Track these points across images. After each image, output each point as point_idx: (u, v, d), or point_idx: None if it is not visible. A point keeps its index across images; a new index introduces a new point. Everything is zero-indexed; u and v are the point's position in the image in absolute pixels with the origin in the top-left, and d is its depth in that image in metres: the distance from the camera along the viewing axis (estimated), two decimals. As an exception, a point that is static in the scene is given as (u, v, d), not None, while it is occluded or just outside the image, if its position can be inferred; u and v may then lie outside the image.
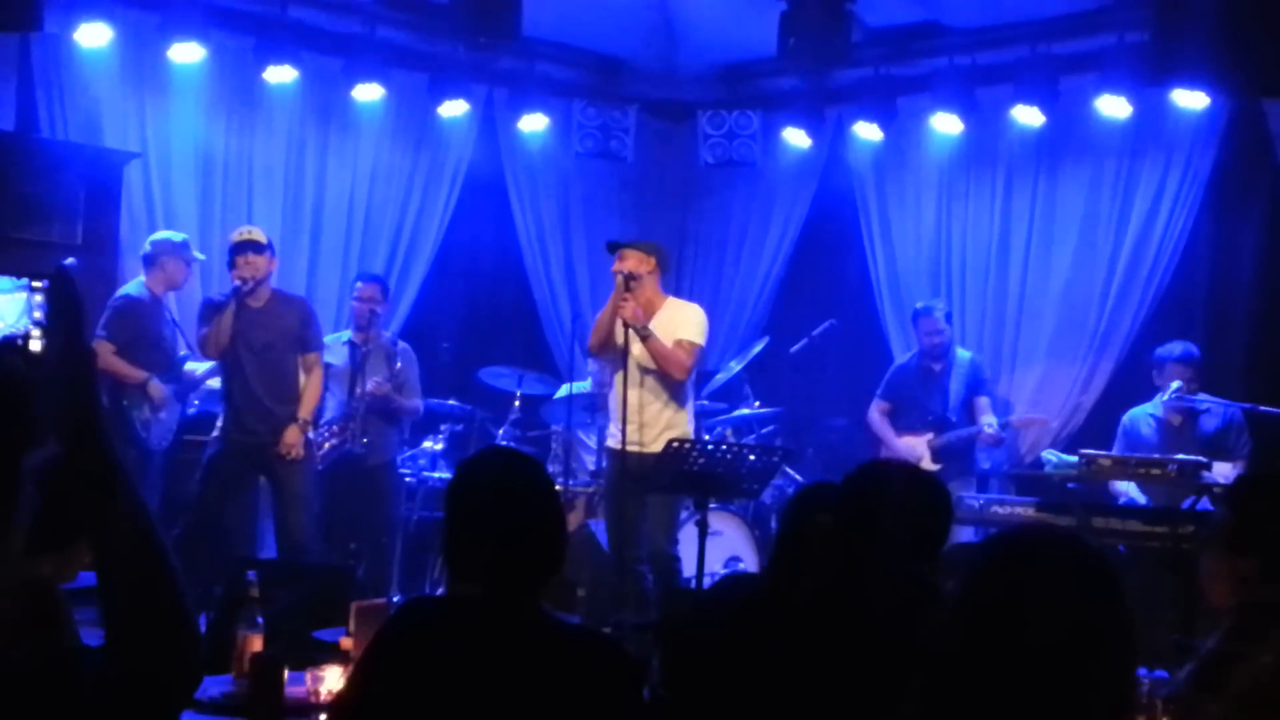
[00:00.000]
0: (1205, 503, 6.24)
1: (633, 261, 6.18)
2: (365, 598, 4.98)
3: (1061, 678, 1.67)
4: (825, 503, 2.98)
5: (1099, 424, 7.60)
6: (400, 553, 7.23)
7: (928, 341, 7.47)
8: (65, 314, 1.51)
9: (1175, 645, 4.05)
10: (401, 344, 7.33)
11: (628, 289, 6.08)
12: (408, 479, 7.46)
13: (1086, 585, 1.71)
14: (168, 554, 1.53)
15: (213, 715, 3.23)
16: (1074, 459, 6.49)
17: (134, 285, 6.73)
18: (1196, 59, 6.35)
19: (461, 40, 7.60)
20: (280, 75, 7.64)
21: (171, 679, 1.53)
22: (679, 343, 6.17)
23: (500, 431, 7.69)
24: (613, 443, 6.23)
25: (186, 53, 7.31)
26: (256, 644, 3.51)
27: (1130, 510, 6.44)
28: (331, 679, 3.33)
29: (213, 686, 3.34)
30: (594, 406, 7.41)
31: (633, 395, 6.03)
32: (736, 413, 7.75)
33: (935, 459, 7.30)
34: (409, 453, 7.57)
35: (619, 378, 6.10)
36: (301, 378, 6.52)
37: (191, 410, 7.00)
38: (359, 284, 7.30)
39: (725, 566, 7.03)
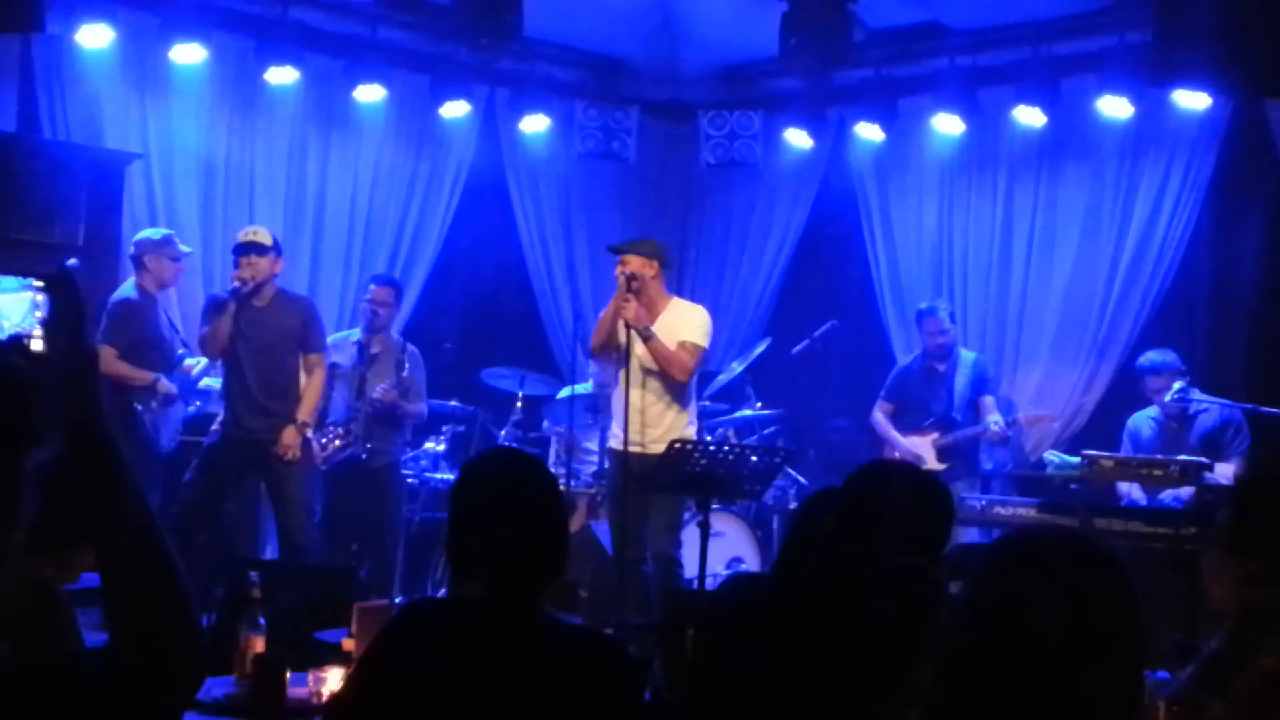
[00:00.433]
0: (1179, 497, 6.27)
1: (635, 265, 6.18)
2: (367, 599, 4.99)
3: (1069, 680, 1.67)
4: (831, 507, 2.98)
5: (1101, 425, 7.60)
6: (402, 554, 7.22)
7: (931, 342, 7.47)
8: (68, 313, 1.51)
9: (1177, 646, 4.04)
10: (410, 347, 7.31)
11: (630, 290, 6.08)
12: (410, 480, 7.46)
13: (1094, 588, 1.71)
14: (171, 554, 1.53)
15: (215, 716, 3.23)
16: (1076, 460, 6.49)
17: (127, 287, 6.73)
18: (1198, 59, 6.35)
19: (463, 41, 7.59)
20: (281, 76, 7.64)
21: (174, 678, 1.53)
22: (682, 344, 6.17)
23: (502, 433, 7.69)
24: (615, 443, 6.23)
25: (188, 54, 7.32)
26: (258, 645, 3.51)
27: (1132, 511, 6.44)
28: (333, 680, 3.33)
29: (215, 687, 3.34)
30: (596, 408, 7.41)
31: (635, 396, 6.02)
32: (738, 414, 7.74)
33: (940, 459, 7.30)
34: (411, 454, 7.56)
35: (621, 377, 6.10)
36: (303, 378, 6.51)
37: (192, 410, 7.00)
38: (372, 286, 7.29)
39: (727, 567, 7.03)
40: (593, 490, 7.44)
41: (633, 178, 9.28)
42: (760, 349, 7.78)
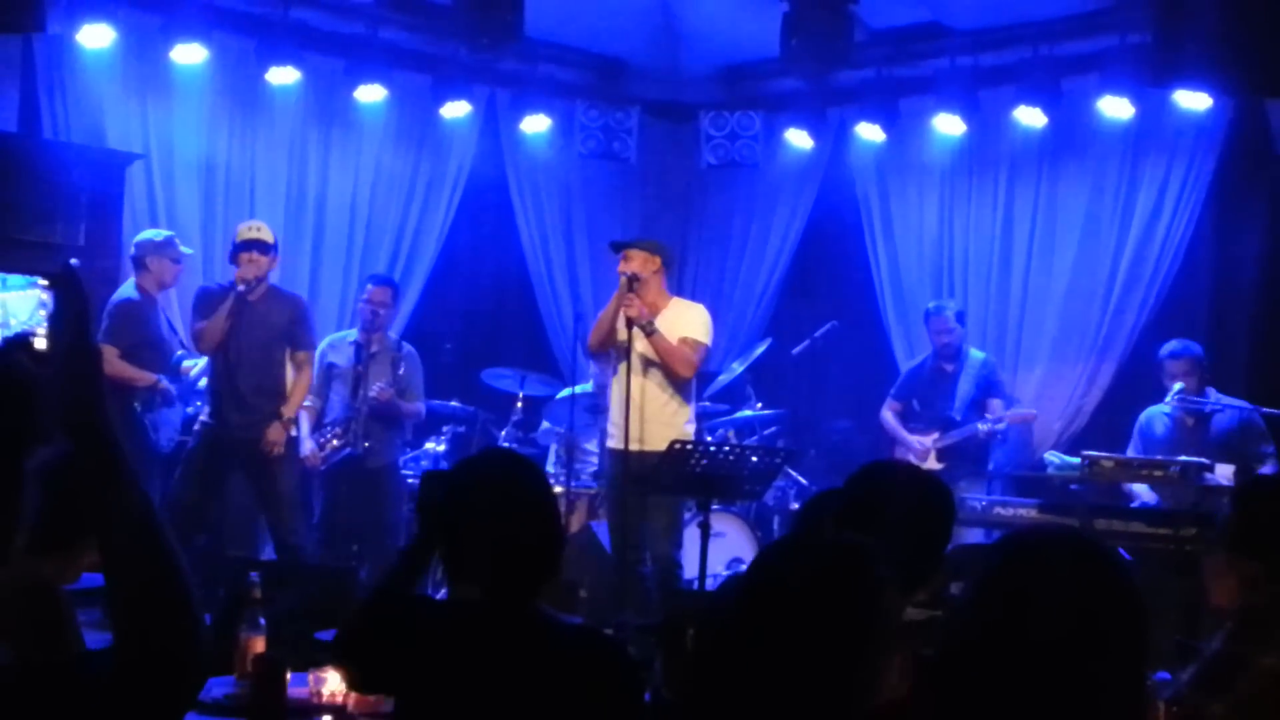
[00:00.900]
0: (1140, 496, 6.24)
1: (637, 262, 6.18)
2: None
3: (1072, 678, 1.67)
4: (832, 509, 2.98)
5: (1101, 425, 7.60)
6: (402, 554, 7.21)
7: (937, 341, 7.47)
8: (71, 312, 1.51)
9: (1178, 647, 4.04)
10: (406, 346, 7.31)
11: (631, 289, 6.08)
12: (410, 480, 7.46)
13: (1095, 586, 1.71)
14: (175, 553, 1.53)
15: (214, 716, 3.23)
16: (1076, 460, 6.48)
17: (127, 288, 6.74)
18: (1199, 60, 6.34)
19: (464, 41, 7.59)
20: (282, 76, 7.64)
21: (178, 678, 1.53)
22: (684, 340, 6.17)
23: (502, 433, 7.69)
24: (614, 443, 6.22)
25: (189, 54, 7.32)
26: (259, 645, 3.51)
27: (1133, 512, 6.44)
28: (333, 681, 3.33)
29: (215, 687, 3.34)
30: (596, 408, 7.41)
31: (635, 390, 6.02)
32: (739, 414, 7.74)
33: (939, 458, 7.30)
34: (411, 454, 7.57)
35: (622, 369, 6.08)
36: (290, 375, 6.50)
37: (190, 410, 7.00)
38: (370, 286, 7.28)
39: (727, 568, 7.03)
40: (593, 490, 7.44)
41: (633, 178, 9.28)
42: (761, 349, 7.78)
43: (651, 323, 6.10)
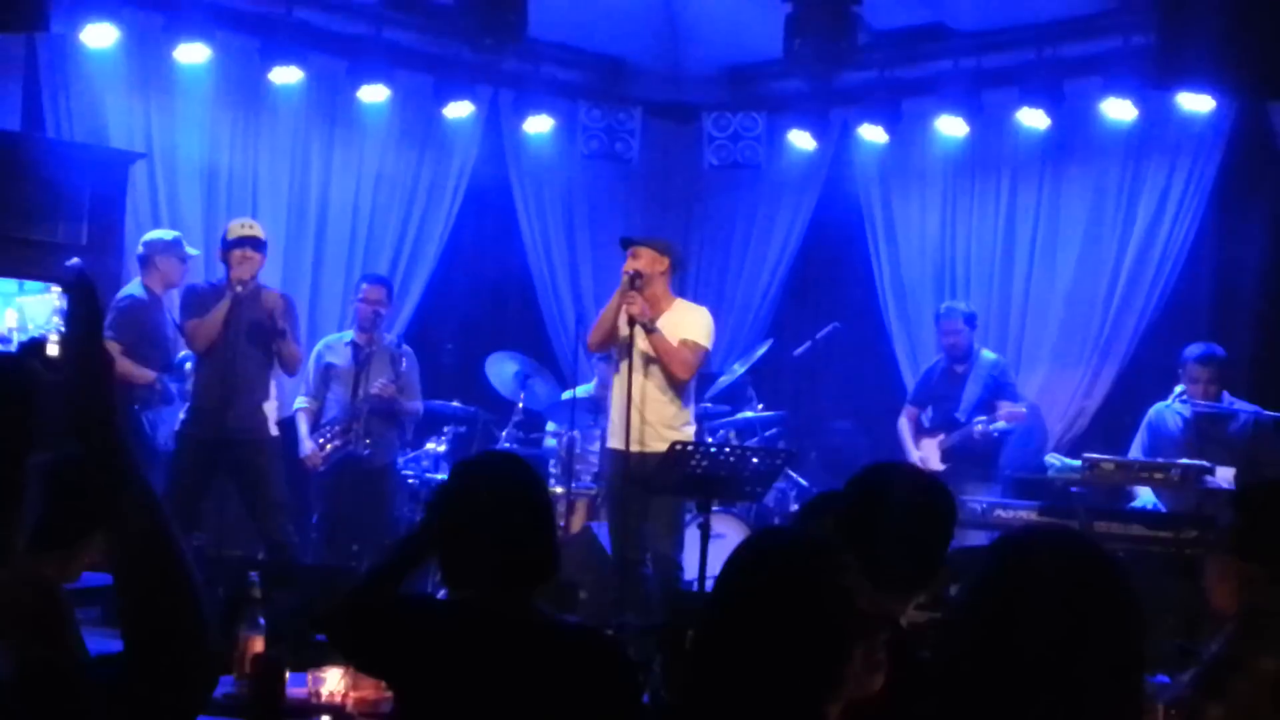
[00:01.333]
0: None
1: (646, 260, 6.17)
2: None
3: (1065, 677, 1.67)
4: (833, 510, 2.98)
5: (1103, 428, 7.60)
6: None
7: (945, 342, 7.49)
8: (84, 317, 1.52)
9: (1178, 650, 4.04)
10: (405, 345, 7.32)
11: (633, 287, 6.07)
12: (410, 480, 7.46)
13: (1086, 585, 1.71)
14: (185, 556, 1.54)
15: (214, 716, 3.23)
16: (1077, 463, 6.48)
17: (134, 286, 6.74)
18: (1202, 62, 6.34)
19: (467, 42, 7.59)
20: (285, 76, 7.64)
21: (189, 680, 1.53)
22: (684, 342, 6.16)
23: (503, 434, 7.69)
24: (613, 444, 6.22)
25: (192, 53, 7.32)
26: (258, 645, 3.51)
27: (1133, 515, 6.43)
28: (332, 681, 3.33)
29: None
30: (598, 409, 7.41)
31: (636, 390, 6.02)
32: (740, 415, 7.74)
33: (943, 460, 7.30)
34: (411, 454, 7.57)
35: (624, 367, 6.08)
36: (273, 376, 6.53)
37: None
38: (364, 285, 7.28)
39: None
40: (593, 491, 7.44)
41: (636, 179, 9.28)
42: (762, 351, 7.78)
43: (653, 321, 6.09)
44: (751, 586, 1.86)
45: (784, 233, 9.09)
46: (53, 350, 1.56)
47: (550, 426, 7.94)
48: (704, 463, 5.72)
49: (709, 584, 5.81)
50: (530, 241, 9.04)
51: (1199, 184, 7.52)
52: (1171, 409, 6.76)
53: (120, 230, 7.28)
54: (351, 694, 3.30)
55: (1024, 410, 7.34)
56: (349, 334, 7.29)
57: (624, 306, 6.07)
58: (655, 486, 5.89)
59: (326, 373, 7.12)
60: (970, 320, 7.49)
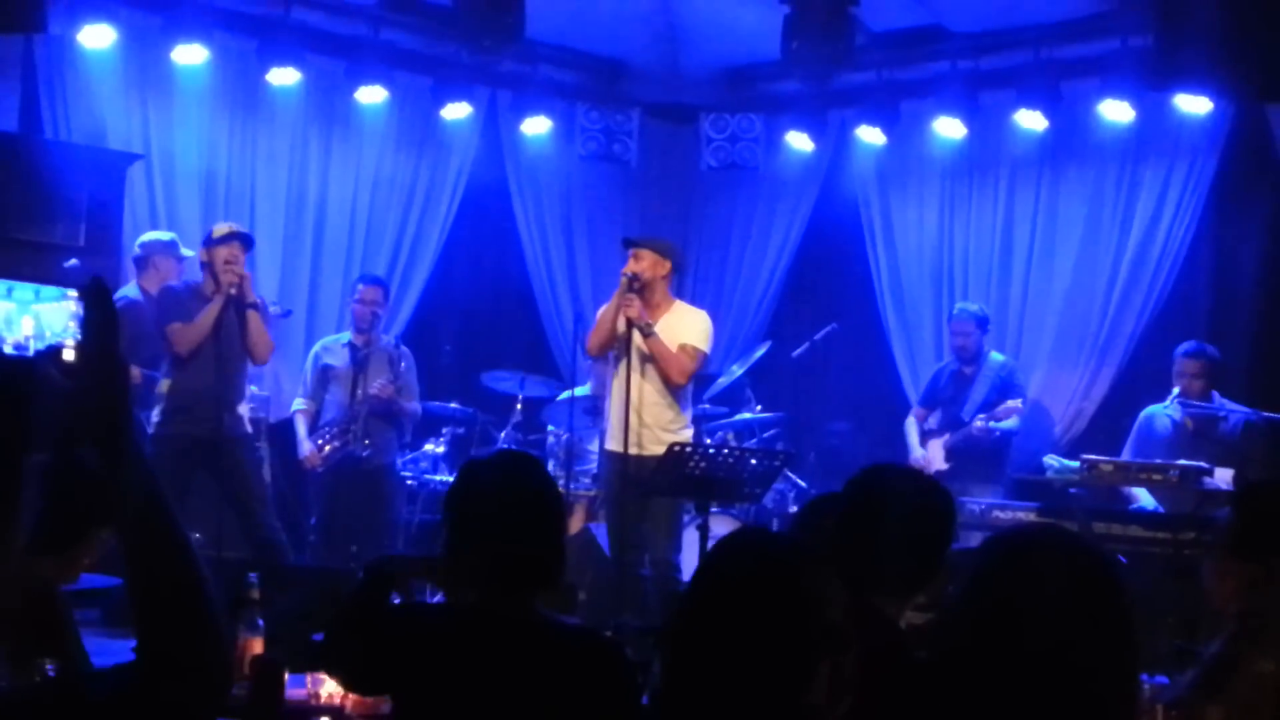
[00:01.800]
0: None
1: (647, 262, 6.17)
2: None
3: (1061, 675, 1.67)
4: (832, 512, 2.98)
5: (1101, 429, 7.60)
6: (402, 556, 7.22)
7: (953, 343, 7.51)
8: (99, 323, 1.52)
9: (1176, 650, 4.05)
10: (402, 347, 7.31)
11: (631, 289, 6.07)
12: (409, 481, 7.46)
13: (1080, 583, 1.71)
14: (199, 562, 1.54)
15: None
16: (1075, 464, 6.48)
17: (130, 288, 6.76)
18: (1200, 63, 6.35)
19: (465, 43, 7.59)
20: (283, 77, 7.64)
21: (205, 685, 1.52)
22: (683, 347, 6.16)
23: (502, 435, 7.69)
24: (612, 446, 6.22)
25: (190, 54, 7.32)
26: (257, 647, 3.51)
27: (1132, 516, 6.44)
28: (331, 682, 3.32)
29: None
30: (596, 410, 7.41)
31: (634, 393, 6.02)
32: (738, 416, 7.74)
33: (946, 458, 7.31)
34: (410, 455, 7.57)
35: (622, 367, 6.08)
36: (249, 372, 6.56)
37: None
38: (360, 286, 7.28)
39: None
40: (592, 493, 7.44)
41: (634, 180, 9.28)
42: (760, 352, 7.78)
43: (650, 324, 6.09)
44: (718, 586, 1.84)
45: (782, 234, 9.09)
46: (69, 356, 1.56)
47: (550, 428, 7.94)
48: (702, 464, 5.72)
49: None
50: (528, 243, 9.04)
51: (1196, 186, 7.52)
52: (1163, 412, 6.77)
53: (118, 231, 7.28)
54: (350, 696, 3.30)
55: (1018, 403, 7.33)
56: (346, 335, 7.29)
57: (621, 309, 6.08)
58: (653, 488, 5.89)
59: (324, 374, 7.12)
60: (982, 323, 7.48)
